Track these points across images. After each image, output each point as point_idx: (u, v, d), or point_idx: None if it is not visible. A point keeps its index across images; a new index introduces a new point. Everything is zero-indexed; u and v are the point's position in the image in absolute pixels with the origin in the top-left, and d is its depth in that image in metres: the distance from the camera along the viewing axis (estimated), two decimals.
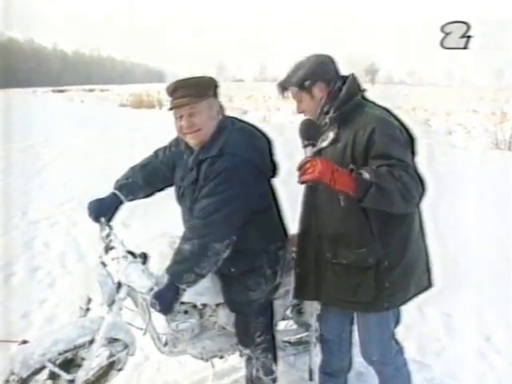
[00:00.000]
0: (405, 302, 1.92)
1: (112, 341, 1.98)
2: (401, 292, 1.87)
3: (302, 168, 1.65)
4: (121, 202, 2.06)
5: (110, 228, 1.96)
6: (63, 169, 7.53)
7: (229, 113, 2.00)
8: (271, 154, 1.98)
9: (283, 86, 1.93)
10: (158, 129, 12.93)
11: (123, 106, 22.27)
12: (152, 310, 1.83)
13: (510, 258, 4.08)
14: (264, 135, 1.99)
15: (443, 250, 4.06)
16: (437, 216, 4.27)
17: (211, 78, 1.91)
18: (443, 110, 20.00)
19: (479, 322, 3.07)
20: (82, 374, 1.91)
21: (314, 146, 1.77)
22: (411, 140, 1.82)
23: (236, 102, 24.26)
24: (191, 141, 1.88)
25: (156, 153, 2.16)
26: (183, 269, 1.78)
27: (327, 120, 1.84)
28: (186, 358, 2.35)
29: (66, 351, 1.83)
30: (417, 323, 3.00)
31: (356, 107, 1.82)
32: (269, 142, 1.98)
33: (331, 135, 1.81)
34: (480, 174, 7.56)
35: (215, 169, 1.79)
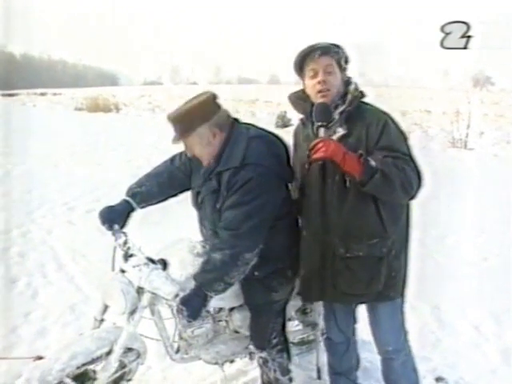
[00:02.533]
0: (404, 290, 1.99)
1: (126, 351, 1.93)
2: (402, 280, 1.96)
3: (314, 147, 1.73)
4: (133, 209, 2.03)
5: (125, 235, 1.92)
6: (26, 177, 7.20)
7: None
8: (288, 159, 1.98)
9: (322, 51, 1.84)
10: (119, 133, 12.70)
11: (79, 110, 21.54)
12: (178, 315, 1.80)
13: (469, 250, 4.38)
14: (280, 140, 1.98)
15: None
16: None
17: (200, 103, 1.82)
18: (398, 111, 20.62)
19: (466, 314, 3.20)
20: None
21: (327, 127, 1.82)
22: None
23: None
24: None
25: (172, 159, 2.14)
26: (213, 278, 1.78)
27: (336, 116, 1.86)
28: (191, 364, 2.32)
29: (84, 364, 1.78)
30: (409, 317, 3.07)
31: (361, 105, 1.89)
32: (285, 147, 1.98)
33: (340, 131, 1.84)
34: (442, 171, 7.86)
35: (239, 179, 1.78)
